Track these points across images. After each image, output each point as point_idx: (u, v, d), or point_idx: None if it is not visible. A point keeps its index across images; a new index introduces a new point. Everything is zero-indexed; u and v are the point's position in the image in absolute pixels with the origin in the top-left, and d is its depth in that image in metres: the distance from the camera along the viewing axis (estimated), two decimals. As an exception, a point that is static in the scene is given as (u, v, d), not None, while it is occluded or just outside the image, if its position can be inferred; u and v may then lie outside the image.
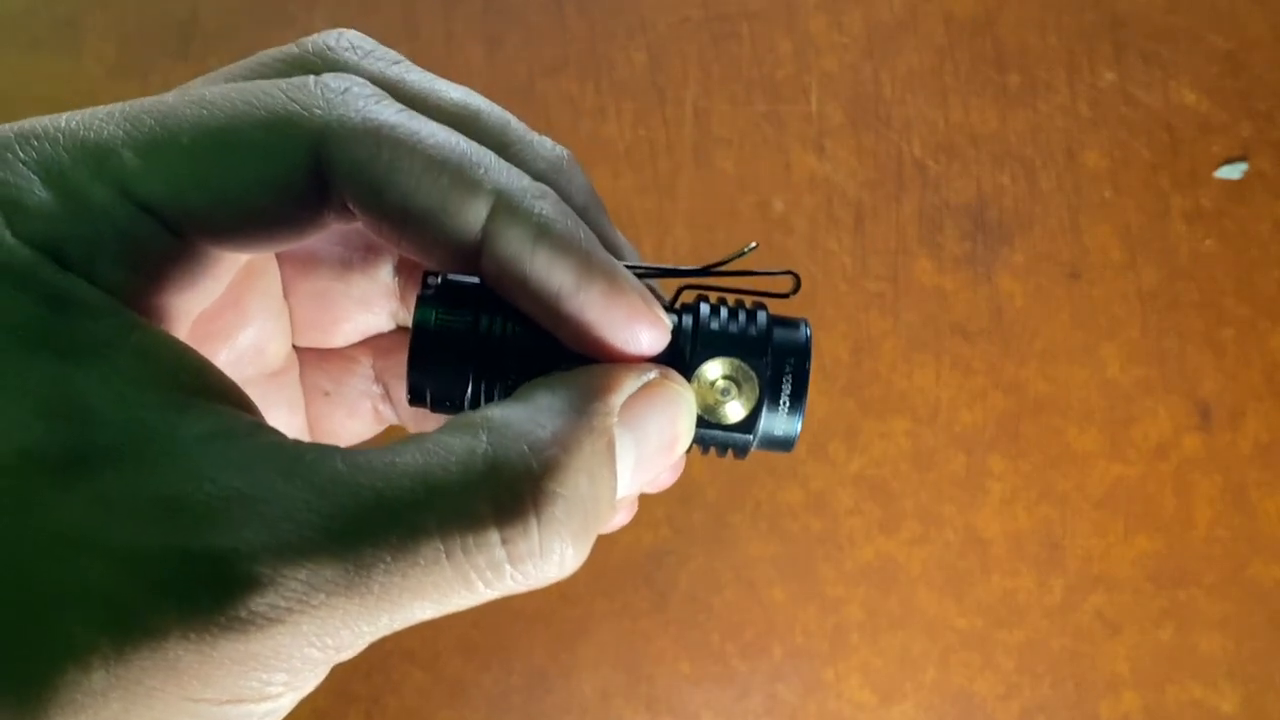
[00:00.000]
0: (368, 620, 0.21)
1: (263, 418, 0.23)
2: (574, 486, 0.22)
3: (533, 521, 0.21)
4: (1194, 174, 0.63)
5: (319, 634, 0.20)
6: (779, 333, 0.27)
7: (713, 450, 0.28)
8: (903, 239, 0.63)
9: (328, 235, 0.28)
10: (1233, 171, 0.63)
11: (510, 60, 0.66)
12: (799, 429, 0.27)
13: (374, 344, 0.32)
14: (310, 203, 0.24)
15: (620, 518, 0.28)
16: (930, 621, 0.60)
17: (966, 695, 0.59)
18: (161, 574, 0.19)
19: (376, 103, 0.24)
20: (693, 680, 0.60)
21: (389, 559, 0.20)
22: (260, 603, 0.19)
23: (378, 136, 0.23)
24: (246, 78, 0.25)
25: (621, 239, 0.28)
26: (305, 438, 0.32)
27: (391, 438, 0.24)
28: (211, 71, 0.26)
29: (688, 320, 0.27)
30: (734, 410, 0.27)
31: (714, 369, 0.26)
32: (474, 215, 0.24)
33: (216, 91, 0.24)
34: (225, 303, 0.28)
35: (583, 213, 0.26)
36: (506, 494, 0.21)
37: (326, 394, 0.32)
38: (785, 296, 0.28)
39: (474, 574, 0.21)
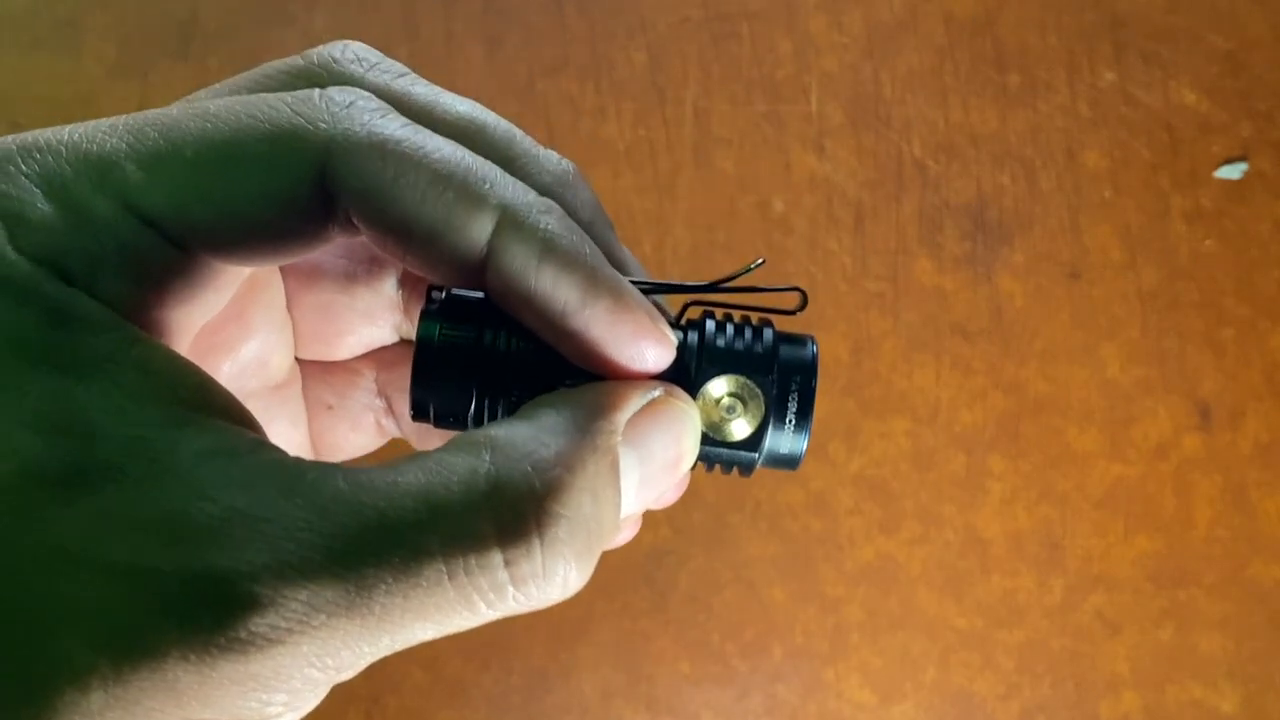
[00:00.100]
0: (369, 641, 0.21)
1: (264, 433, 0.23)
2: (577, 507, 0.22)
3: (535, 542, 0.21)
4: (1194, 174, 0.63)
5: (319, 654, 0.20)
6: (785, 350, 0.27)
7: (717, 467, 0.28)
8: (903, 239, 0.63)
9: (332, 248, 0.28)
10: (1233, 171, 0.63)
11: (510, 60, 0.66)
12: (805, 447, 0.27)
13: (377, 357, 0.32)
14: (314, 216, 0.24)
15: (624, 535, 0.28)
16: (930, 621, 0.60)
17: (966, 695, 0.59)
18: (161, 593, 0.19)
19: (381, 116, 0.24)
20: (693, 680, 0.60)
21: (391, 580, 0.20)
22: (260, 623, 0.19)
23: (382, 151, 0.23)
24: (251, 90, 0.25)
25: (627, 254, 0.28)
26: (308, 451, 0.32)
27: (395, 451, 0.24)
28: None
29: (693, 337, 0.27)
30: (739, 428, 0.26)
31: (719, 386, 0.26)
32: (479, 230, 0.23)
33: (221, 104, 0.23)
34: (229, 315, 0.28)
35: (588, 228, 0.26)
36: (509, 514, 0.21)
37: (330, 407, 0.32)
38: (792, 313, 0.28)
39: (476, 595, 0.21)
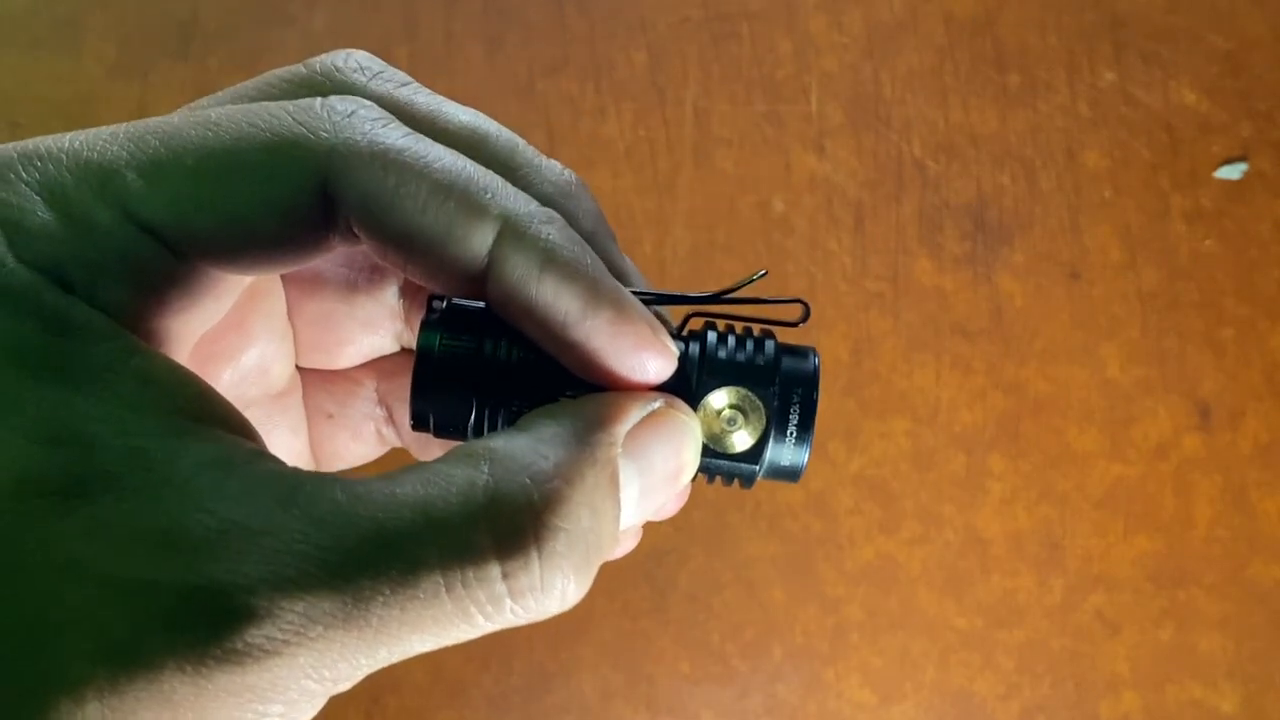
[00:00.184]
0: (366, 653, 0.21)
1: (263, 443, 0.23)
2: (576, 520, 0.22)
3: (534, 555, 0.21)
4: (1194, 174, 0.63)
5: (316, 666, 0.20)
6: (787, 362, 0.27)
7: (718, 479, 0.28)
8: (903, 239, 0.63)
9: (333, 256, 0.28)
10: (1233, 171, 0.63)
11: (510, 60, 0.66)
12: (806, 459, 0.27)
13: (378, 366, 0.32)
14: (315, 226, 0.24)
15: (624, 546, 0.28)
16: (930, 621, 0.60)
17: (966, 695, 0.60)
18: (158, 605, 0.19)
19: (383, 126, 0.24)
20: (693, 680, 0.60)
21: (388, 592, 0.20)
22: (257, 635, 0.19)
23: (384, 160, 0.23)
24: (253, 98, 0.25)
25: (629, 264, 0.28)
26: (308, 459, 0.32)
27: (396, 460, 0.24)
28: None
29: (695, 348, 0.27)
30: (740, 440, 0.26)
31: (720, 398, 0.26)
32: (480, 240, 0.23)
33: (222, 113, 0.23)
34: (229, 324, 0.28)
35: (590, 238, 0.25)
36: (507, 527, 0.21)
37: (330, 416, 0.32)
38: (794, 325, 0.28)
39: (474, 608, 0.21)
